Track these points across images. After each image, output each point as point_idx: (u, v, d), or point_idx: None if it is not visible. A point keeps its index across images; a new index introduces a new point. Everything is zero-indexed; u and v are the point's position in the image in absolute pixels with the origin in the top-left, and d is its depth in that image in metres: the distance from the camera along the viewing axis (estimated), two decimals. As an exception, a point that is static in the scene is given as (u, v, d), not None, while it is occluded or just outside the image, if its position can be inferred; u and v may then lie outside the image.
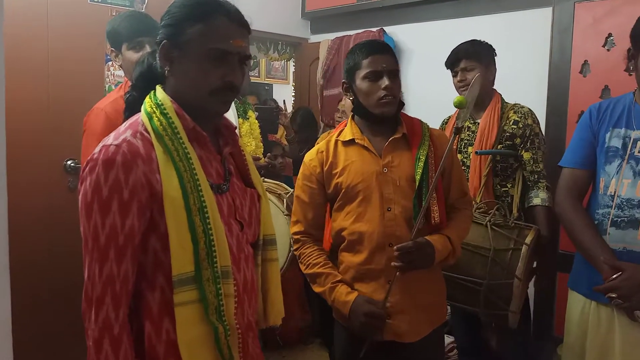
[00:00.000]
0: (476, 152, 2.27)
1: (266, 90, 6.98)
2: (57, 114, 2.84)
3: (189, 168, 1.08)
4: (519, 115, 2.30)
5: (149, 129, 1.09)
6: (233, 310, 1.12)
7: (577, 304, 1.77)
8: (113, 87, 3.03)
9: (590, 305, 1.72)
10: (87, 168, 1.05)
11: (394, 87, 1.69)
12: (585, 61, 2.80)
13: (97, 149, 1.06)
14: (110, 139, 1.07)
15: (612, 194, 1.67)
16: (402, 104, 1.77)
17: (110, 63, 3.01)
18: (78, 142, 2.91)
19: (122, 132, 1.09)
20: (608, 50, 2.72)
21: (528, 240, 1.96)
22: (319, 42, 4.15)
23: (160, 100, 1.12)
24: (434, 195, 1.65)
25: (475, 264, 1.96)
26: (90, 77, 2.96)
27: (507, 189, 2.33)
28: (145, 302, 1.09)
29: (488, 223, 2.03)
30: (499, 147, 2.29)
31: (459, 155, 2.43)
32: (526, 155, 2.26)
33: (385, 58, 1.70)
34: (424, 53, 3.55)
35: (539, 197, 2.22)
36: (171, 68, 1.14)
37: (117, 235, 1.03)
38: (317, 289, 1.77)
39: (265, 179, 2.48)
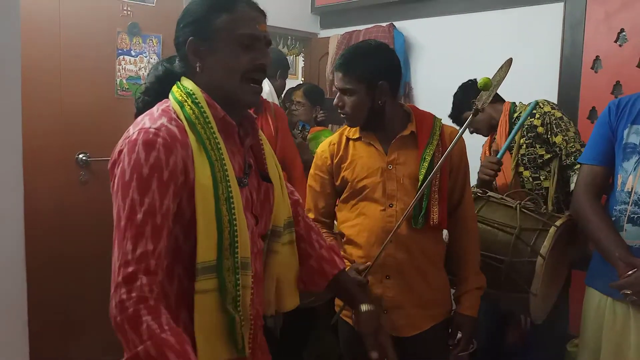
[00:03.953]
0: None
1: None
2: (69, 108, 2.87)
3: (219, 158, 1.09)
4: (533, 107, 2.28)
5: (181, 117, 1.10)
6: (249, 301, 1.13)
7: (593, 300, 1.77)
8: (124, 80, 3.04)
9: (606, 302, 1.72)
10: (125, 149, 1.04)
11: (341, 105, 1.72)
12: (597, 57, 2.78)
13: (133, 132, 1.05)
14: (147, 123, 1.06)
15: (630, 190, 1.66)
16: (373, 115, 1.72)
17: (121, 57, 3.03)
18: (89, 136, 2.95)
19: (158, 118, 1.08)
20: (620, 45, 2.70)
21: (558, 222, 1.87)
22: (329, 37, 4.15)
23: (190, 90, 1.13)
24: (436, 196, 1.67)
25: (499, 242, 1.90)
26: (102, 71, 2.98)
27: (539, 181, 2.30)
28: (163, 293, 1.08)
29: (518, 205, 1.96)
30: (521, 140, 2.28)
31: None
32: (557, 139, 2.21)
33: (338, 77, 1.71)
34: (435, 48, 3.54)
35: (572, 182, 2.16)
36: (202, 63, 1.15)
37: (155, 214, 1.01)
38: None
39: None
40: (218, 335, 1.09)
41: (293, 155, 2.76)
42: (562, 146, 2.21)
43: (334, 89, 4.10)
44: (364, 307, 1.37)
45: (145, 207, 1.00)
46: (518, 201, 2.00)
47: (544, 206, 2.11)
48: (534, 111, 2.28)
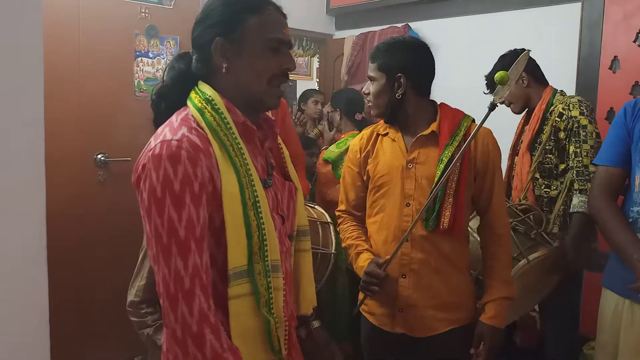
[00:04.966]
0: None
1: (290, 86, 7.00)
2: (88, 109, 2.91)
3: (243, 163, 1.09)
4: (564, 107, 2.23)
5: (203, 124, 1.08)
6: (282, 303, 1.14)
7: (610, 302, 1.75)
8: (142, 82, 3.08)
9: (623, 304, 1.70)
10: (150, 165, 1.03)
11: (367, 93, 1.78)
12: (615, 57, 2.75)
13: (155, 145, 1.04)
14: (167, 135, 1.05)
15: None
16: (393, 106, 1.73)
17: (139, 59, 3.06)
18: (108, 137, 2.99)
19: (178, 128, 1.07)
20: (639, 46, 2.67)
21: (532, 256, 1.90)
22: (344, 38, 4.15)
23: (209, 96, 1.12)
24: (450, 199, 1.64)
25: (473, 254, 1.88)
26: (120, 72, 3.02)
27: (549, 190, 2.28)
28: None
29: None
30: (547, 144, 2.26)
31: (517, 158, 2.42)
32: (570, 149, 2.20)
33: (369, 65, 1.78)
34: (451, 49, 3.52)
35: (573, 204, 2.17)
36: (228, 64, 1.13)
37: (195, 227, 1.02)
38: (349, 258, 1.87)
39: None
40: (254, 339, 1.10)
41: (295, 146, 2.77)
42: (571, 157, 2.19)
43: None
44: (316, 323, 1.41)
45: (184, 223, 1.01)
46: (510, 220, 1.99)
47: (544, 224, 2.07)
48: (562, 111, 2.23)
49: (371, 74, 1.75)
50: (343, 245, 1.90)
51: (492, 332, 1.68)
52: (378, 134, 1.83)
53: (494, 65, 2.43)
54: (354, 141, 1.90)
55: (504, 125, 2.45)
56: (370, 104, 1.78)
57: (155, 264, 1.02)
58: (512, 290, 1.74)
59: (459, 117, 1.74)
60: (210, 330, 1.01)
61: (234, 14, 1.13)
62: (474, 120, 1.74)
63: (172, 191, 1.00)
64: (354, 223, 1.89)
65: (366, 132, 1.88)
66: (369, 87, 1.77)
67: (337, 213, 1.96)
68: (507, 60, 2.35)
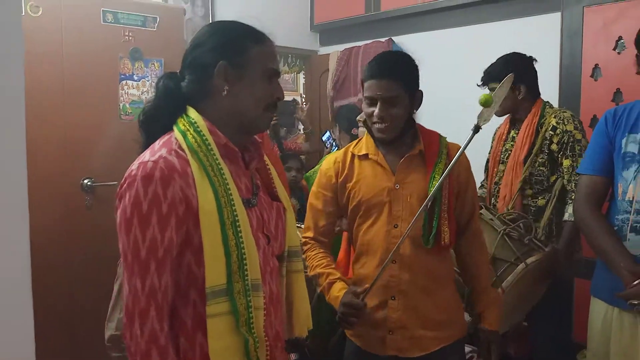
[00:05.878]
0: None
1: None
2: (73, 134, 2.90)
3: (222, 183, 1.11)
4: (557, 121, 2.24)
5: (184, 146, 1.12)
6: (262, 322, 1.14)
7: (599, 311, 1.75)
8: (127, 105, 3.07)
9: (612, 312, 1.70)
10: (126, 184, 1.08)
11: (385, 116, 1.62)
12: (596, 65, 2.79)
13: (134, 166, 1.09)
14: (146, 156, 1.10)
15: (631, 199, 1.65)
16: (407, 126, 1.68)
17: (124, 82, 3.06)
18: (94, 162, 2.97)
19: (158, 150, 1.11)
20: (619, 53, 2.71)
21: (529, 260, 1.93)
22: (329, 53, 4.18)
23: (193, 119, 1.15)
24: (445, 215, 1.63)
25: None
26: (105, 96, 3.02)
27: (537, 199, 2.30)
28: (179, 318, 1.11)
29: (502, 231, 2.00)
30: (539, 157, 2.26)
31: (500, 166, 2.44)
32: (565, 163, 2.21)
33: (381, 84, 1.61)
34: (434, 62, 3.53)
35: (567, 212, 2.18)
36: (230, 88, 1.16)
37: (157, 249, 1.05)
38: (319, 288, 1.77)
39: None
40: (233, 357, 1.10)
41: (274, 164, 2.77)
42: (567, 171, 2.20)
43: (334, 104, 4.17)
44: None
45: (147, 243, 1.05)
46: (504, 227, 2.01)
47: (534, 233, 2.09)
48: (556, 125, 2.24)
49: (393, 94, 1.60)
50: (311, 273, 1.77)
51: (496, 337, 1.71)
52: (353, 155, 1.75)
53: (493, 64, 2.41)
54: (326, 166, 1.79)
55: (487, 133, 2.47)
56: (382, 126, 1.64)
57: (124, 280, 1.07)
58: (500, 295, 1.79)
59: (436, 136, 1.74)
60: (158, 352, 1.05)
61: (238, 40, 1.18)
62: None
63: (139, 211, 1.05)
64: (321, 250, 1.79)
65: (339, 155, 1.78)
66: (385, 110, 1.61)
67: (302, 239, 1.82)
68: (510, 63, 2.34)
